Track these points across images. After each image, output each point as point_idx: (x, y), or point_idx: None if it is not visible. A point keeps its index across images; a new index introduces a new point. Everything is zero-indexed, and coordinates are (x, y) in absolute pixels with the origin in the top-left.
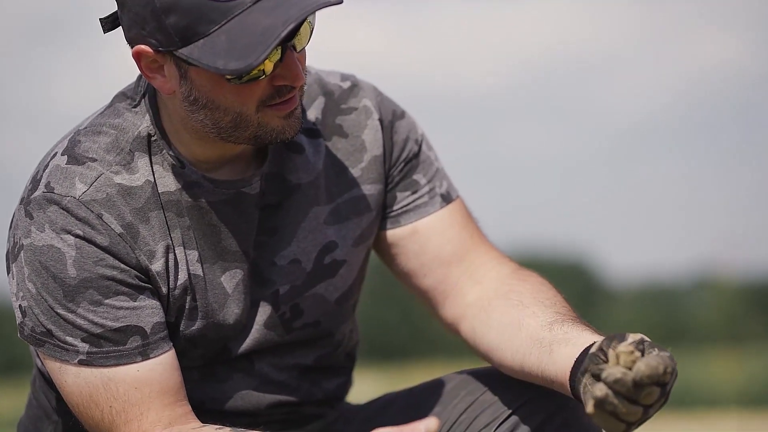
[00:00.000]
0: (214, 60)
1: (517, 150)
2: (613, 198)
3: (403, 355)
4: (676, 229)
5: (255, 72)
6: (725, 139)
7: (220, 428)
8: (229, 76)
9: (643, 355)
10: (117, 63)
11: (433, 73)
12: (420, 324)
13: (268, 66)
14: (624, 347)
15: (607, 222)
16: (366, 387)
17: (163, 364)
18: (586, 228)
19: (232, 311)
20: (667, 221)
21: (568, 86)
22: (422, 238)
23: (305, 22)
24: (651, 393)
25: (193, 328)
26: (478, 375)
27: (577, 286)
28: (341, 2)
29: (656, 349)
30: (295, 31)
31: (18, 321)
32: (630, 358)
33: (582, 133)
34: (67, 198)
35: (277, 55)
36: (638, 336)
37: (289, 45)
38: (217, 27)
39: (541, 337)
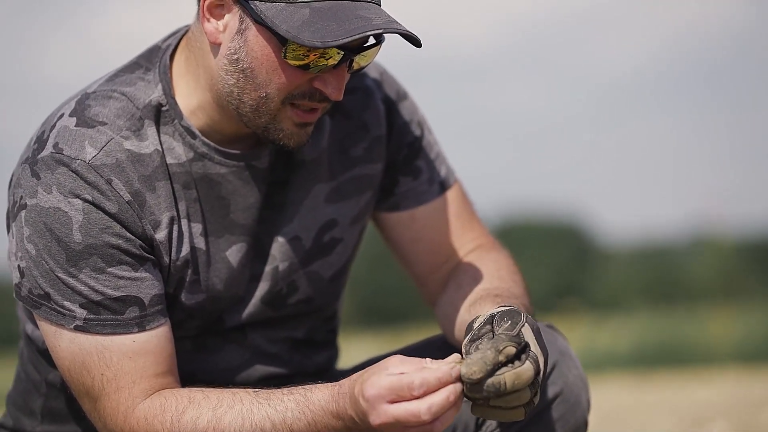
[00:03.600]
0: (287, 26)
1: (504, 109)
2: (604, 156)
3: (401, 320)
4: (670, 186)
5: (308, 60)
6: (718, 92)
7: (209, 389)
8: (283, 54)
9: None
10: (110, 33)
11: (418, 31)
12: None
13: (322, 63)
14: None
15: (599, 181)
16: (364, 351)
17: (158, 336)
18: (577, 188)
19: (232, 285)
20: (661, 178)
21: (554, 43)
22: (418, 227)
23: (377, 48)
24: (512, 399)
25: (192, 300)
26: None
27: (570, 248)
28: (420, 46)
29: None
30: (364, 47)
31: (15, 281)
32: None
33: (570, 90)
34: (77, 161)
35: (335, 60)
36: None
37: (351, 57)
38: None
39: (464, 320)
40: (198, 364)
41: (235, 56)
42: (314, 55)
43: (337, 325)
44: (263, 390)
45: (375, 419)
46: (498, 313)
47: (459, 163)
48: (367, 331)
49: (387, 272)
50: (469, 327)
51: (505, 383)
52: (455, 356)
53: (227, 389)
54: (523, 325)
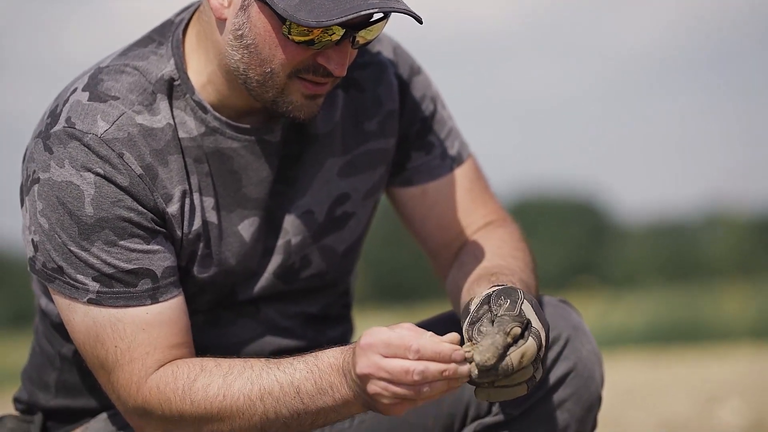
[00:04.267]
0: (285, 4)
1: (521, 89)
2: (620, 134)
3: (414, 297)
4: (685, 164)
5: (311, 37)
6: (733, 70)
7: (219, 358)
8: (285, 30)
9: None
10: (129, 12)
11: (432, 11)
12: (430, 266)
13: (325, 39)
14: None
15: (614, 159)
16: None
17: (171, 308)
18: (593, 166)
19: (244, 259)
20: (676, 156)
21: (568, 21)
22: (430, 201)
23: (382, 22)
24: (521, 374)
25: (204, 274)
26: None
27: (587, 225)
28: (421, 23)
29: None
30: (369, 22)
31: (29, 255)
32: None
33: (586, 68)
34: (89, 135)
35: (338, 36)
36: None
37: (353, 34)
38: None
39: (464, 300)
40: (211, 338)
41: (240, 32)
42: (317, 31)
43: (350, 300)
44: (275, 359)
45: (362, 368)
46: (494, 292)
47: (473, 142)
48: (381, 308)
49: (401, 250)
50: (466, 309)
51: (512, 363)
52: (453, 336)
53: (240, 359)
54: (523, 302)
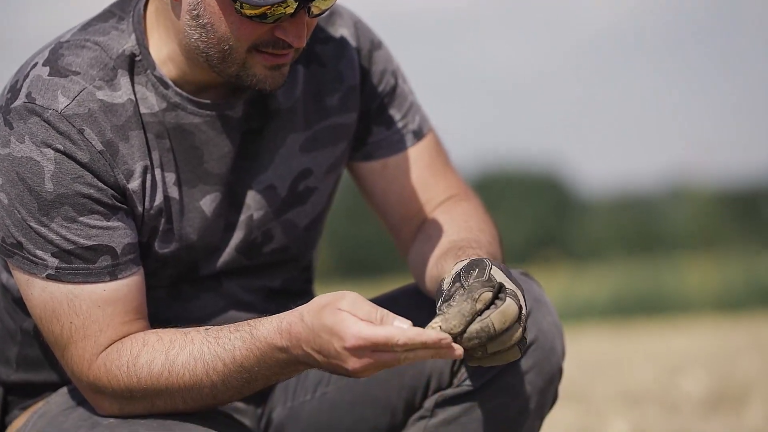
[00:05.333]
0: None
1: (484, 64)
2: (583, 108)
3: (379, 272)
4: (649, 138)
5: (263, 11)
6: (698, 45)
7: (163, 330)
8: (237, 6)
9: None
10: None
11: None
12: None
13: (279, 12)
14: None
15: (578, 133)
16: None
17: (129, 285)
18: (557, 140)
19: (206, 234)
20: (640, 129)
21: None
22: (390, 176)
23: None
24: (508, 337)
25: (166, 249)
26: None
27: (550, 200)
28: None
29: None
30: None
31: None
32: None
33: (550, 44)
34: (49, 111)
35: (291, 8)
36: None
37: (308, 5)
38: None
39: (432, 274)
40: (173, 312)
41: (195, 12)
42: (267, 6)
43: (312, 274)
44: (213, 328)
45: (356, 366)
46: (462, 268)
47: (436, 117)
48: (345, 283)
49: (365, 225)
50: (439, 291)
51: (493, 325)
52: (403, 321)
53: (180, 329)
54: (491, 268)
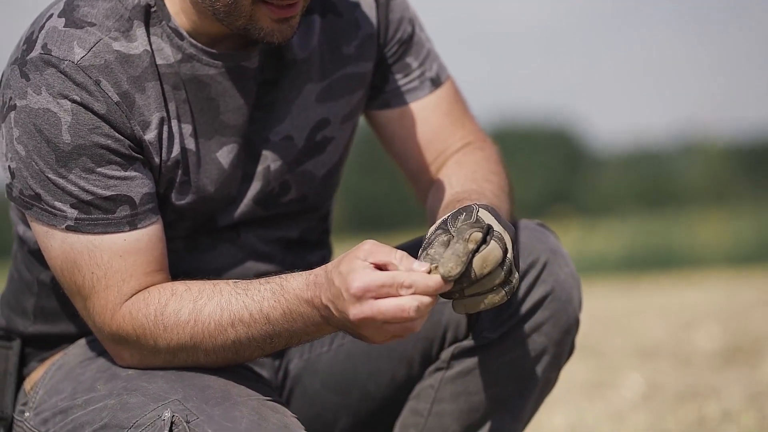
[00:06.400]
0: None
1: (494, 17)
2: (596, 63)
3: (391, 226)
4: (661, 92)
5: None
6: None
7: (191, 281)
8: None
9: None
10: None
11: None
12: (408, 195)
13: None
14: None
15: (591, 87)
16: None
17: (149, 235)
18: (569, 94)
19: (223, 186)
20: (652, 84)
21: None
22: (408, 123)
23: None
24: (489, 279)
25: (183, 201)
26: None
27: (562, 154)
28: None
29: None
30: None
31: (6, 182)
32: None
33: None
34: (66, 62)
35: None
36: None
37: None
38: None
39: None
40: (191, 263)
41: None
42: None
43: (330, 225)
44: (243, 281)
45: (357, 314)
46: (450, 214)
47: (453, 71)
48: (359, 237)
49: (379, 179)
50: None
51: (474, 270)
52: (422, 264)
53: (209, 281)
54: (478, 211)
